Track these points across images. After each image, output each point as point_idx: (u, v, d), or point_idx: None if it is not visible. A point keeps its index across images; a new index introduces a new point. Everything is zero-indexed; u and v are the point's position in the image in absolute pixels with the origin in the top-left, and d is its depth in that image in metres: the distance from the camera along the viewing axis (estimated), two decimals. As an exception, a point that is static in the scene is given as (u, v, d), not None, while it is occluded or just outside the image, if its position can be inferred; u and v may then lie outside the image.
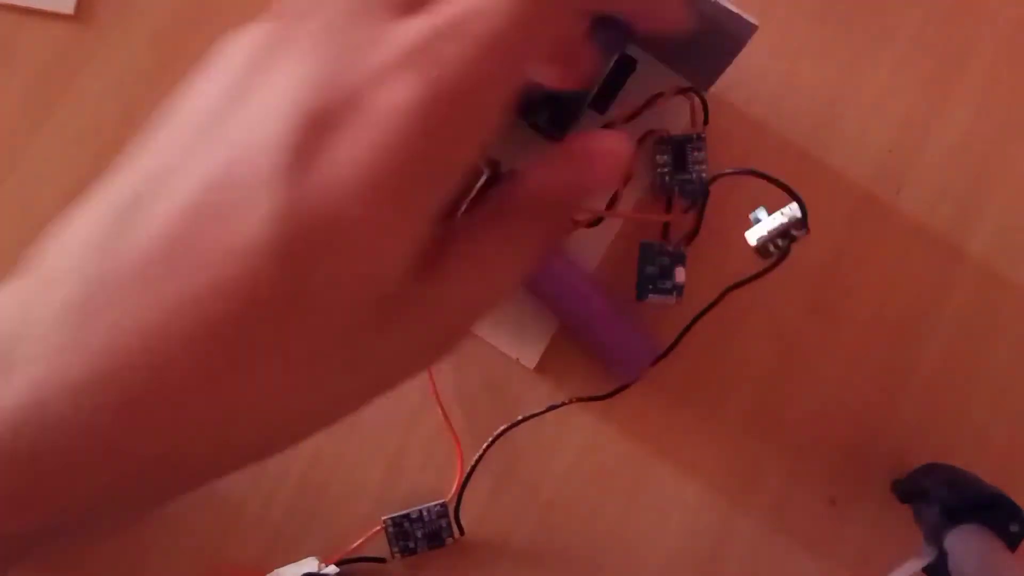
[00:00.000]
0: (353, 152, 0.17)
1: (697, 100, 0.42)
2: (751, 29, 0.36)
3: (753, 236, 0.28)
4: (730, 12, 0.36)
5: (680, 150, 0.43)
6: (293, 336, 0.17)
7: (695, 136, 0.42)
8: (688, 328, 0.40)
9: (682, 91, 0.41)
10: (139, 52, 0.43)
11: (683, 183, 0.43)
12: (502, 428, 0.41)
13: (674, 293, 0.42)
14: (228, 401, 0.17)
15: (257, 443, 0.19)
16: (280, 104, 0.18)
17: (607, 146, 0.22)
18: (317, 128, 0.17)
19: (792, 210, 0.28)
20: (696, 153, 0.42)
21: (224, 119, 0.19)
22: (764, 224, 0.28)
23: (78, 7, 0.43)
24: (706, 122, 0.43)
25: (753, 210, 0.28)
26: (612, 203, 0.41)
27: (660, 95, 0.41)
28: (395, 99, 0.17)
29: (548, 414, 0.41)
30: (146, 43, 0.43)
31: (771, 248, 0.28)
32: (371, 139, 0.17)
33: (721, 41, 0.38)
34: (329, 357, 0.18)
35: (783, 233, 0.28)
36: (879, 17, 0.45)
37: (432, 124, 0.18)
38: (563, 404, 0.41)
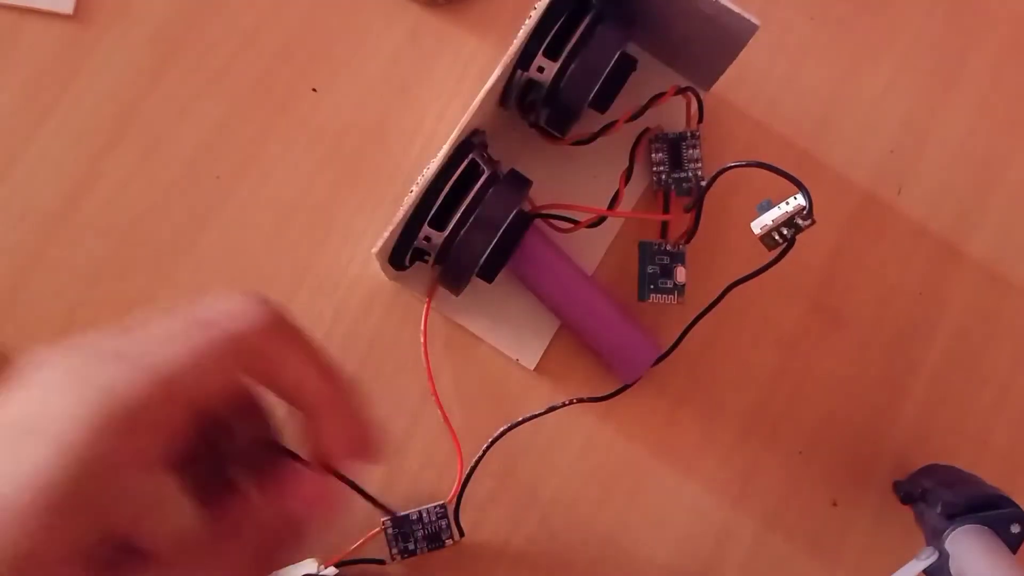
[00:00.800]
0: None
1: (694, 99, 0.42)
2: (752, 28, 0.36)
3: (758, 225, 0.28)
4: (731, 11, 0.36)
5: (676, 148, 0.43)
6: None
7: (690, 134, 0.42)
8: (691, 326, 0.40)
9: (680, 91, 0.41)
10: (137, 52, 0.43)
11: (679, 181, 0.43)
12: (502, 429, 0.40)
13: (675, 292, 0.42)
14: None
15: None
16: None
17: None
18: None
19: (797, 200, 0.28)
20: (691, 151, 0.42)
21: None
22: (770, 213, 0.28)
23: (77, 7, 0.43)
24: (701, 120, 0.43)
25: (758, 203, 0.28)
26: (614, 203, 0.41)
27: (660, 96, 0.41)
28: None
29: (548, 415, 0.41)
30: (144, 43, 0.43)
31: (776, 237, 0.28)
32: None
33: (722, 40, 0.38)
34: None
35: (788, 222, 0.28)
36: (880, 17, 0.45)
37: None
38: (563, 405, 0.41)
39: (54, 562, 0.21)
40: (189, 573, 0.23)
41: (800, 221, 0.28)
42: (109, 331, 0.23)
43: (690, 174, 0.43)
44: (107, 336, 0.23)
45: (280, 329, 0.24)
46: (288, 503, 0.24)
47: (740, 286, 0.37)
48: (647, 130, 0.42)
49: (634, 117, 0.41)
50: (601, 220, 0.41)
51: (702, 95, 0.42)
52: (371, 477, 0.42)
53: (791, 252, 0.35)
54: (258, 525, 0.24)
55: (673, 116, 0.43)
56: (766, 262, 0.36)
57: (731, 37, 0.37)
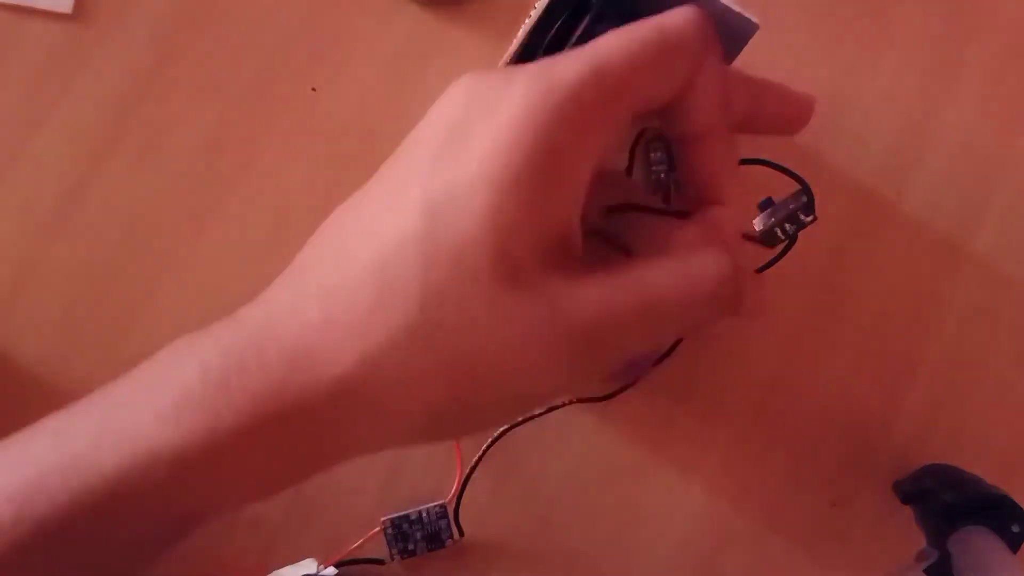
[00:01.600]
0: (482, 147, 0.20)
1: None
2: (753, 28, 0.36)
3: (760, 222, 0.28)
4: (731, 11, 0.35)
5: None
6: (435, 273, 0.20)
7: None
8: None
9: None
10: (137, 52, 0.43)
11: (679, 182, 0.42)
12: (502, 429, 0.40)
13: None
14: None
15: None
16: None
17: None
18: (454, 133, 0.21)
19: (799, 196, 0.28)
20: None
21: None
22: (772, 210, 0.28)
23: (76, 6, 0.43)
24: None
25: (759, 201, 0.28)
26: (632, 153, 0.41)
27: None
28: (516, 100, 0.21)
29: (548, 415, 0.41)
30: (144, 42, 0.43)
31: (779, 233, 0.28)
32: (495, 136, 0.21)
33: (722, 40, 0.38)
34: (459, 301, 0.20)
35: (791, 218, 0.28)
36: (880, 16, 0.45)
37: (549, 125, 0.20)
38: (563, 405, 0.41)
39: (517, 252, 0.20)
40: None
41: (803, 217, 0.28)
42: None
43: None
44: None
45: (712, 40, 0.24)
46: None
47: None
48: (645, 130, 0.42)
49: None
50: (630, 168, 0.41)
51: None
52: (371, 476, 0.42)
53: (792, 251, 0.35)
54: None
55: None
56: (767, 260, 0.36)
57: (732, 37, 0.37)
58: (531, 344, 0.21)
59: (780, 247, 0.31)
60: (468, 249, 0.20)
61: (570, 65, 0.21)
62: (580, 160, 0.21)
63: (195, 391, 0.21)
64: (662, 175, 0.43)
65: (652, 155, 0.43)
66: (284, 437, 0.21)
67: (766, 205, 0.28)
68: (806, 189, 0.27)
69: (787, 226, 0.28)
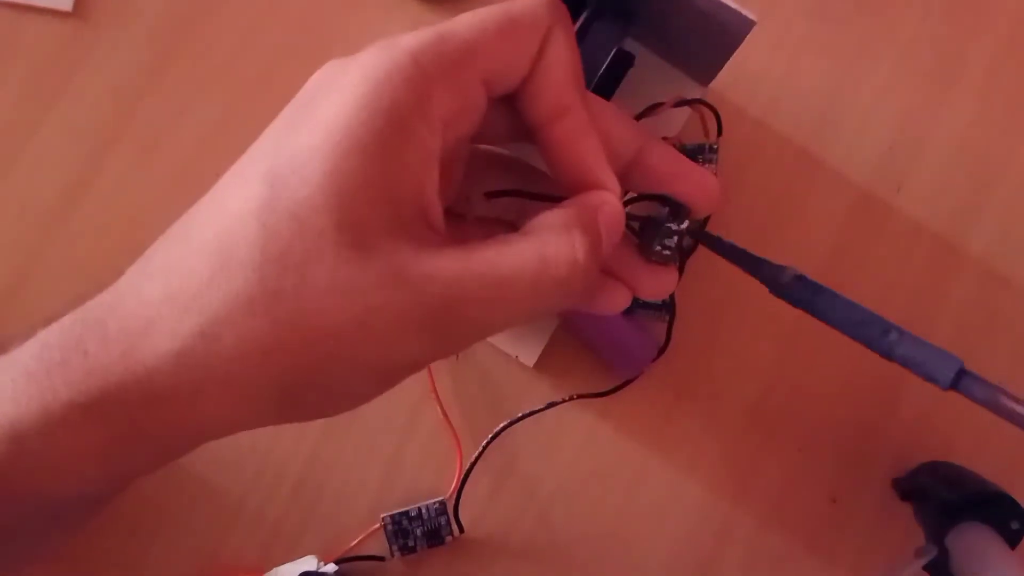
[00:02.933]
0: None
1: (707, 110, 0.41)
2: (749, 24, 0.36)
3: (639, 245, 0.27)
4: (728, 7, 0.35)
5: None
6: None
7: (708, 147, 0.42)
8: (672, 322, 0.40)
9: (686, 102, 0.41)
10: (137, 49, 0.43)
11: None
12: (501, 425, 0.41)
13: (663, 309, 0.41)
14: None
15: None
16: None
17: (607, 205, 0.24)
18: (300, 107, 0.22)
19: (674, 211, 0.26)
20: (709, 166, 0.42)
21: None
22: (642, 230, 0.27)
23: (76, 4, 0.43)
24: (720, 133, 0.42)
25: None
26: None
27: (660, 105, 0.41)
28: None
29: (548, 411, 0.41)
30: (144, 40, 0.43)
31: (663, 251, 0.27)
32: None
33: (719, 36, 0.38)
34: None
35: (664, 232, 0.26)
36: (879, 14, 0.45)
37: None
38: (563, 401, 0.41)
39: (360, 215, 0.20)
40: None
41: (673, 227, 0.26)
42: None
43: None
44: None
45: (563, 16, 0.24)
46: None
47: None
48: (664, 139, 0.42)
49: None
50: None
51: (706, 97, 0.42)
52: (371, 472, 0.42)
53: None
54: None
55: (670, 118, 0.43)
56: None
57: (729, 33, 0.37)
58: (376, 312, 0.20)
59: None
60: (308, 214, 0.19)
61: (415, 34, 0.22)
62: (423, 125, 0.21)
63: (31, 367, 0.21)
64: None
65: None
66: (124, 412, 0.20)
67: (644, 226, 0.27)
68: (667, 201, 0.26)
69: (667, 241, 0.26)
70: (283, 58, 0.44)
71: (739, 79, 0.43)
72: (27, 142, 0.43)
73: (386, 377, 0.22)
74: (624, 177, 0.26)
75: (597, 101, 0.26)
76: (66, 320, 0.22)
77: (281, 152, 0.21)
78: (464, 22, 0.23)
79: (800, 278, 0.27)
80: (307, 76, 0.43)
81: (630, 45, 0.42)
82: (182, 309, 0.20)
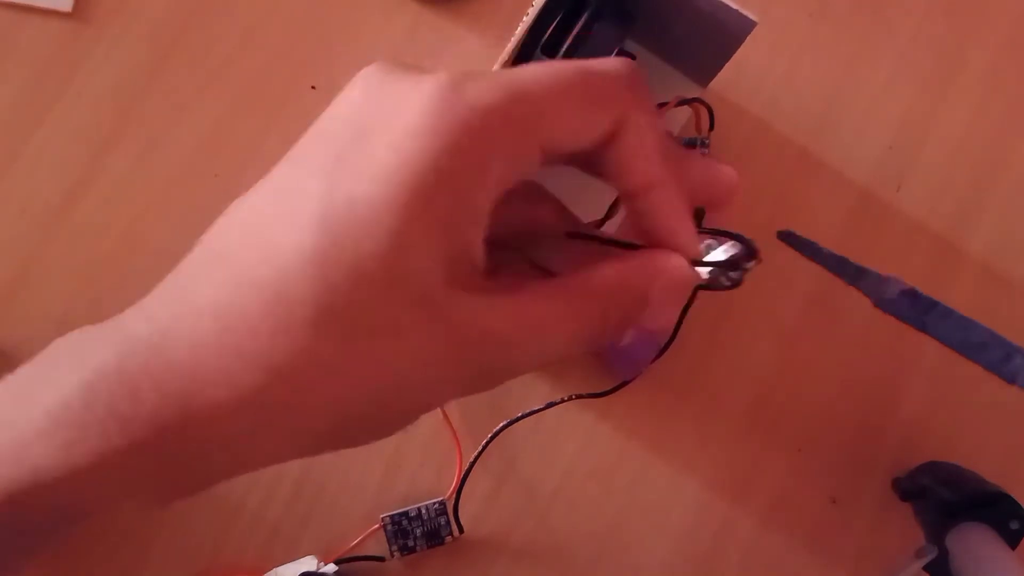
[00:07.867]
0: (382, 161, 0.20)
1: (701, 106, 0.42)
2: (750, 25, 0.36)
3: (704, 271, 0.27)
4: (728, 8, 0.35)
5: None
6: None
7: (700, 141, 0.42)
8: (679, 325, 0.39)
9: (685, 102, 0.41)
10: (136, 49, 0.43)
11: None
12: (501, 425, 0.40)
13: None
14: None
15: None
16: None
17: (671, 263, 0.24)
18: (356, 135, 0.20)
19: (738, 246, 0.27)
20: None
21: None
22: (712, 258, 0.27)
23: (76, 5, 0.43)
24: (712, 127, 0.42)
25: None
26: (612, 209, 0.41)
27: (664, 105, 0.41)
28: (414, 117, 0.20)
29: (547, 411, 0.41)
30: (143, 40, 0.43)
31: (724, 281, 0.27)
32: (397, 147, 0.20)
33: (719, 37, 0.38)
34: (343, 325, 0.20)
35: (733, 266, 0.27)
36: (879, 15, 0.45)
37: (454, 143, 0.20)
38: (562, 401, 0.41)
39: (421, 271, 0.20)
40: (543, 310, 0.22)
41: (746, 264, 0.27)
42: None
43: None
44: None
45: (642, 92, 0.22)
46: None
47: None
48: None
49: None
50: (604, 219, 0.41)
51: (703, 96, 0.42)
52: (371, 473, 0.42)
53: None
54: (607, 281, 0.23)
55: (674, 117, 0.43)
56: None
57: (729, 34, 0.37)
58: (434, 366, 0.20)
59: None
60: (368, 271, 0.19)
61: (485, 85, 0.21)
62: (482, 192, 0.21)
63: (78, 412, 0.21)
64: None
65: None
66: (179, 457, 0.21)
67: (712, 248, 0.27)
68: (741, 240, 0.26)
69: (732, 274, 0.26)
70: (283, 58, 0.44)
71: (739, 79, 0.43)
72: (27, 142, 0.43)
73: (420, 415, 0.23)
74: None
75: (682, 158, 0.25)
76: (105, 354, 0.21)
77: (336, 196, 0.20)
78: (535, 80, 0.21)
79: (909, 292, 0.26)
80: (307, 76, 0.44)
81: (630, 46, 0.42)
82: (236, 358, 0.20)
